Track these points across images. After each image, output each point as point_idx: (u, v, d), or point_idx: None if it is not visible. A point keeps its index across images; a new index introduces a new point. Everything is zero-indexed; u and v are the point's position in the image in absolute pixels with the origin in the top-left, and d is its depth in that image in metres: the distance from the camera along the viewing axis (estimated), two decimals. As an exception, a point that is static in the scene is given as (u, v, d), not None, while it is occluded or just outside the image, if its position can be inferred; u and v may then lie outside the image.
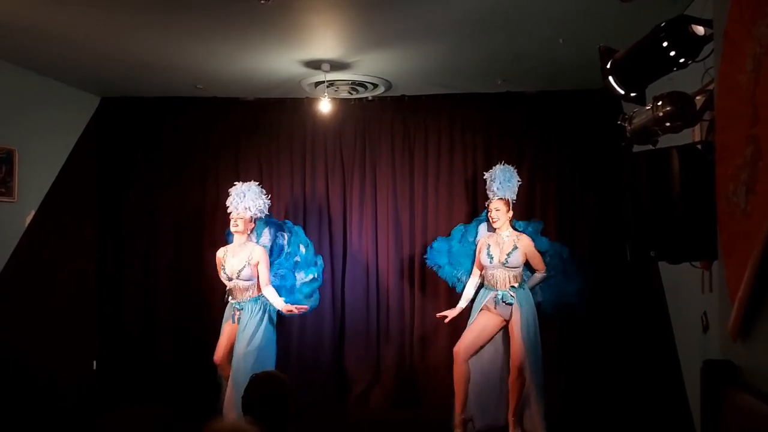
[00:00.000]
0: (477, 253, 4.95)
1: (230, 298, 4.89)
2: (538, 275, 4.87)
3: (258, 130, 6.00)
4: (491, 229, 4.94)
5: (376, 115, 5.96)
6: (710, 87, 2.50)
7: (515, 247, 4.75)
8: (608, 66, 2.76)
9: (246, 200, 4.81)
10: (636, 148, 2.86)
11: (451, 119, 5.87)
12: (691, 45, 2.43)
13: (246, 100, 5.97)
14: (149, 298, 5.93)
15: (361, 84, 5.30)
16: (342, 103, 5.73)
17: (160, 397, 5.54)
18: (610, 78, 2.75)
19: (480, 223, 5.18)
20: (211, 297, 5.84)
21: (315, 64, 4.85)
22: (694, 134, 3.18)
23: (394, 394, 5.79)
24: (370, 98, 5.84)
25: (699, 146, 2.48)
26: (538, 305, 4.88)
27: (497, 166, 4.96)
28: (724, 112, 2.13)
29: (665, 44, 2.43)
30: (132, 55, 4.67)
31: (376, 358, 5.87)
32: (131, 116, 5.98)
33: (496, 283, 4.81)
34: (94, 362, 5.85)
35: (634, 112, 2.74)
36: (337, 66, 4.88)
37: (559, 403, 5.34)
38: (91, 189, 5.90)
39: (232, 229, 4.83)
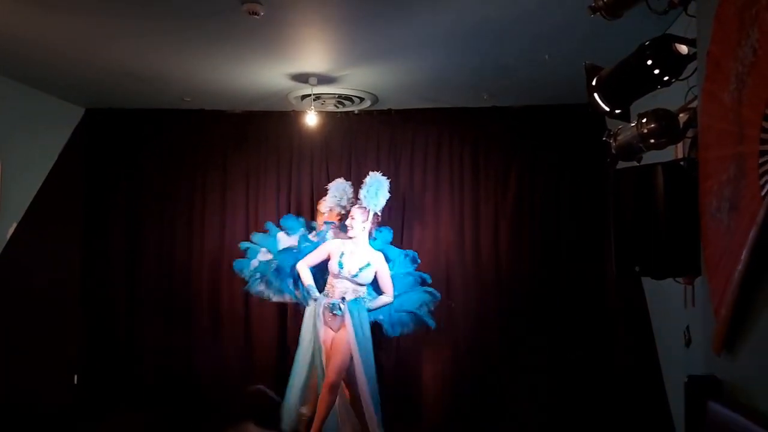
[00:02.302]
0: (322, 253, 4.80)
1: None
2: (385, 299, 4.77)
3: (245, 142, 6.00)
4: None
5: (362, 129, 5.98)
6: (693, 105, 2.54)
7: (368, 264, 4.68)
8: (593, 83, 2.79)
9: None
10: (620, 165, 2.89)
11: (438, 133, 5.91)
12: (674, 63, 2.47)
13: (233, 112, 5.97)
14: (134, 310, 5.88)
15: (348, 98, 5.33)
16: (328, 117, 5.74)
17: (142, 411, 5.47)
18: (596, 95, 2.78)
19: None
20: (197, 309, 5.82)
21: (302, 78, 4.87)
22: (677, 151, 3.23)
23: (390, 407, 5.75)
24: (356, 112, 5.86)
25: (683, 163, 2.51)
26: (376, 324, 4.78)
27: (374, 173, 4.92)
28: (707, 130, 2.16)
29: (649, 62, 2.47)
30: (118, 67, 4.66)
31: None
32: (116, 128, 5.95)
33: (334, 292, 4.69)
34: (76, 376, 5.78)
35: (618, 129, 2.77)
36: (324, 80, 4.90)
37: (542, 418, 5.36)
38: (75, 201, 5.85)
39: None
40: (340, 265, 4.67)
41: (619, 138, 2.75)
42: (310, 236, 5.03)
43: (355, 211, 4.81)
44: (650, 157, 2.72)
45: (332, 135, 5.92)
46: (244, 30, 3.89)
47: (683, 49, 2.48)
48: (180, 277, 5.86)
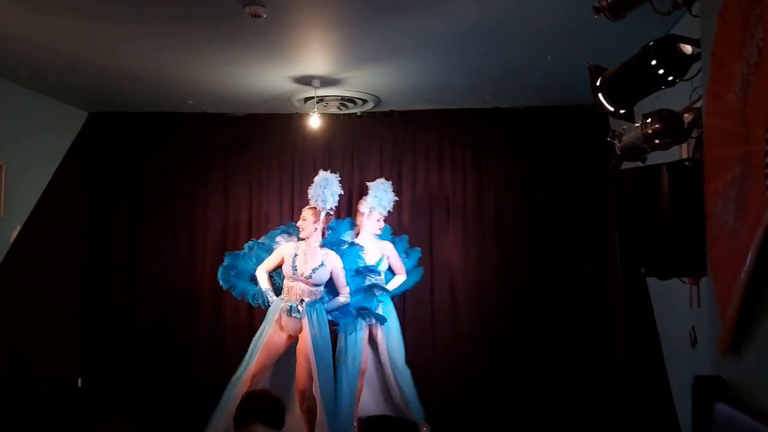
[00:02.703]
0: (276, 257, 4.80)
1: None
2: (341, 299, 4.77)
3: (247, 145, 6.00)
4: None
5: (365, 131, 5.98)
6: (698, 105, 2.54)
7: (322, 264, 4.66)
8: (598, 83, 2.79)
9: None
10: (625, 165, 2.89)
11: (440, 134, 5.91)
12: (679, 64, 2.47)
13: (235, 115, 5.98)
14: (136, 312, 5.88)
15: (351, 99, 5.33)
16: (331, 119, 5.75)
17: (145, 412, 5.48)
18: (600, 95, 2.78)
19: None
20: (199, 311, 5.83)
21: (305, 80, 4.87)
22: (681, 151, 3.22)
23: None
24: (359, 114, 5.86)
25: (687, 163, 2.51)
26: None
27: (323, 173, 4.88)
28: (713, 130, 2.16)
29: (654, 63, 2.46)
30: (121, 70, 4.67)
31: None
32: (119, 131, 5.96)
33: (291, 294, 4.68)
34: (79, 379, 5.78)
35: (623, 130, 2.77)
36: (327, 82, 4.91)
37: (547, 418, 5.36)
38: (78, 204, 5.86)
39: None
40: (294, 267, 4.64)
41: (623, 138, 2.75)
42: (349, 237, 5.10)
43: (306, 212, 4.78)
44: (655, 158, 2.72)
45: (335, 137, 5.93)
46: (246, 33, 3.89)
47: (687, 49, 2.48)
48: (182, 279, 5.87)
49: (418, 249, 5.36)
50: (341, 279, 4.70)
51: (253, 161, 6.00)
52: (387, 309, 5.07)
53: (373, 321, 4.90)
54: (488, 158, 5.85)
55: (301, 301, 4.59)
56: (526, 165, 5.78)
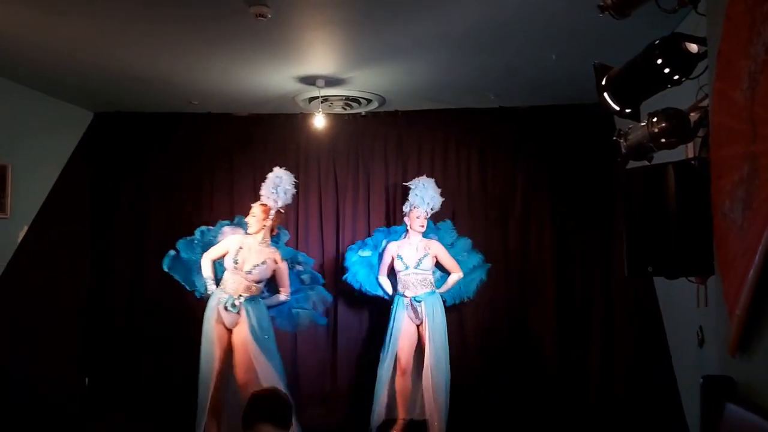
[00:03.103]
0: (221, 248, 4.85)
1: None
2: (281, 297, 4.85)
3: (252, 145, 6.01)
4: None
5: (369, 131, 5.98)
6: (704, 103, 2.53)
7: (264, 262, 4.70)
8: (603, 82, 2.78)
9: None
10: (631, 164, 2.88)
11: (445, 134, 5.90)
12: (684, 62, 2.45)
13: (240, 115, 5.98)
14: (142, 313, 5.89)
15: (355, 99, 5.33)
16: (335, 119, 5.75)
17: (150, 412, 5.49)
18: (605, 94, 2.77)
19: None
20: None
21: (309, 80, 4.88)
22: (687, 150, 3.21)
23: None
24: (363, 113, 5.86)
25: (694, 162, 2.49)
26: None
27: (278, 170, 4.92)
28: (720, 129, 2.14)
29: (659, 61, 2.45)
30: (126, 71, 4.67)
31: (372, 376, 5.82)
32: (125, 131, 5.97)
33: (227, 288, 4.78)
34: (87, 379, 5.80)
35: (629, 129, 2.76)
36: (331, 82, 4.91)
37: (553, 418, 5.35)
38: (84, 204, 5.88)
39: None
40: (235, 261, 4.65)
41: (629, 137, 2.74)
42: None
43: (256, 208, 4.80)
44: (661, 157, 2.70)
45: (339, 137, 5.93)
46: (251, 33, 3.89)
47: (693, 47, 2.46)
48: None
49: (478, 254, 5.37)
50: (284, 278, 4.70)
51: (257, 161, 5.99)
52: (433, 307, 5.06)
53: (307, 323, 4.98)
54: (493, 158, 5.84)
55: (239, 296, 4.60)
56: (531, 164, 5.77)
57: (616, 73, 2.75)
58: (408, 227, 5.24)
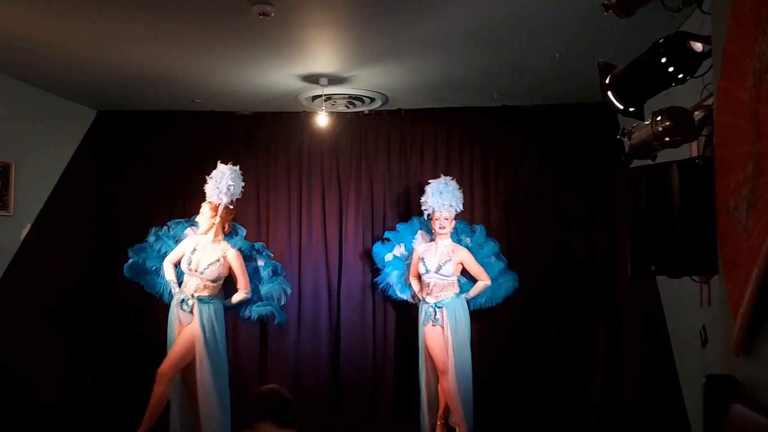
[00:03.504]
0: (179, 251, 4.87)
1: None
2: (241, 295, 4.79)
3: (255, 143, 6.00)
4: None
5: (372, 129, 5.97)
6: (708, 102, 2.52)
7: (218, 260, 4.68)
8: (607, 81, 2.77)
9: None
10: (635, 163, 2.88)
11: (448, 133, 5.89)
12: (689, 61, 2.45)
13: (243, 113, 5.98)
14: (145, 311, 5.89)
15: (358, 98, 5.32)
16: (339, 117, 5.74)
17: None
18: (609, 93, 2.76)
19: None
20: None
21: (312, 79, 4.87)
22: (691, 149, 3.20)
23: (392, 408, 5.76)
24: (366, 112, 5.86)
25: (698, 161, 2.49)
26: None
27: (222, 166, 4.90)
28: (724, 128, 2.14)
29: (664, 60, 2.45)
30: (129, 69, 4.67)
31: (372, 373, 5.84)
32: (128, 130, 5.97)
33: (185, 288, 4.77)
34: (89, 377, 5.80)
35: (633, 127, 2.75)
36: (334, 80, 4.90)
37: (555, 417, 5.35)
38: (87, 202, 5.88)
39: None
40: (189, 262, 4.63)
41: (633, 136, 2.73)
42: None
43: (204, 206, 4.76)
44: (665, 156, 2.70)
45: (342, 135, 5.93)
46: (254, 31, 3.89)
47: (698, 46, 2.46)
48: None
49: (504, 260, 5.32)
50: (240, 274, 4.65)
51: (260, 160, 6.00)
52: (455, 311, 4.98)
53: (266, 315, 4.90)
54: (496, 157, 5.83)
55: (192, 295, 4.60)
56: (535, 163, 5.76)
57: (620, 71, 2.74)
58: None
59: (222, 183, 4.71)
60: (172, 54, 4.40)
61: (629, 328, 5.26)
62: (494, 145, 5.84)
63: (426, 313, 5.01)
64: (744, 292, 1.89)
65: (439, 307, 4.96)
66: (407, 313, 5.80)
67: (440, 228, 5.06)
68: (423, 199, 5.17)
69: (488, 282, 5.07)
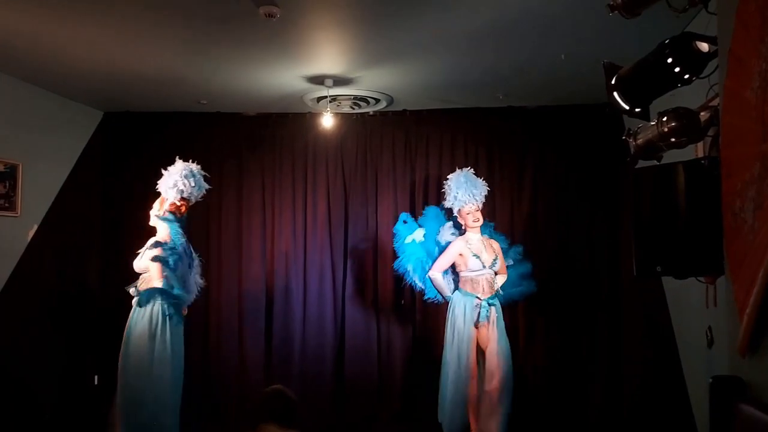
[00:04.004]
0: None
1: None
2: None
3: (260, 144, 6.02)
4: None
5: (377, 130, 5.99)
6: (714, 103, 2.52)
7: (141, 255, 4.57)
8: (613, 82, 2.77)
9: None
10: (640, 164, 2.87)
11: (453, 134, 5.90)
12: (695, 61, 2.45)
13: (248, 115, 6.00)
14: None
15: (363, 99, 5.33)
16: (344, 118, 5.76)
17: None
18: (615, 94, 2.76)
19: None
20: (215, 309, 5.86)
21: (318, 80, 4.89)
22: (697, 150, 3.20)
23: (396, 409, 5.76)
24: (371, 113, 5.87)
25: (704, 162, 2.49)
26: None
27: (180, 162, 4.73)
28: (730, 128, 2.14)
29: (670, 61, 2.44)
30: (135, 70, 4.70)
31: (377, 373, 5.85)
32: (134, 131, 6.00)
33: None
34: (96, 377, 5.82)
35: (639, 128, 2.75)
36: (339, 81, 4.92)
37: (561, 417, 5.34)
38: (94, 203, 5.91)
39: None
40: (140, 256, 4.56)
41: (639, 137, 2.73)
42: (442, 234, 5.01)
43: (156, 202, 4.68)
44: (670, 156, 2.70)
45: (347, 136, 5.94)
46: (260, 33, 3.91)
47: (704, 46, 2.46)
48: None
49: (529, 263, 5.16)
50: (152, 271, 4.41)
51: (266, 160, 6.02)
52: (498, 310, 4.82)
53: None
54: (501, 157, 5.83)
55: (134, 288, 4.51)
56: (540, 164, 5.76)
57: (626, 72, 2.74)
58: (463, 226, 4.93)
59: (169, 179, 4.61)
60: (179, 55, 4.42)
61: (634, 329, 5.24)
62: (499, 145, 5.84)
63: (479, 312, 4.75)
64: (750, 293, 1.88)
65: (492, 305, 4.80)
66: (409, 314, 5.82)
67: (475, 221, 4.89)
68: (450, 195, 4.93)
69: (506, 275, 4.98)
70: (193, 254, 4.69)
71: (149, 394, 4.26)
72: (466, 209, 4.89)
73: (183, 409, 4.59)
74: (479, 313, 4.75)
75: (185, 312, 4.58)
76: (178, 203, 4.62)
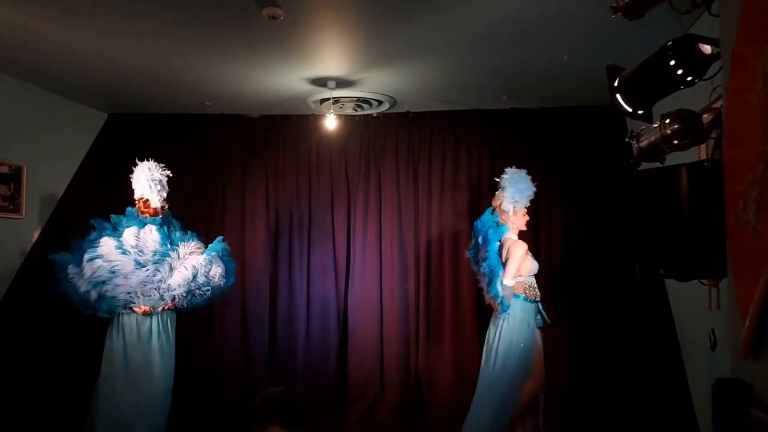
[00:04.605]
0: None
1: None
2: None
3: (264, 146, 6.04)
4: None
5: (380, 132, 5.99)
6: (717, 105, 2.52)
7: None
8: (615, 84, 2.77)
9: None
10: (643, 166, 2.87)
11: (456, 135, 5.90)
12: (698, 63, 2.45)
13: (252, 116, 6.01)
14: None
15: (366, 101, 5.34)
16: (347, 120, 5.76)
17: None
18: (618, 96, 2.76)
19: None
20: (218, 310, 5.86)
21: (321, 82, 4.89)
22: (700, 152, 3.19)
23: (398, 409, 5.76)
24: (375, 115, 5.87)
25: (707, 164, 2.48)
26: None
27: (144, 162, 4.78)
28: (733, 130, 2.13)
29: (672, 63, 2.45)
30: (139, 72, 4.71)
31: (380, 373, 5.85)
32: (138, 132, 6.01)
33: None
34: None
35: (641, 130, 2.75)
36: (342, 83, 4.92)
37: (564, 419, 5.33)
38: (98, 205, 5.90)
39: None
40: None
41: (642, 139, 2.73)
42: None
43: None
44: (673, 159, 2.70)
45: (350, 138, 5.95)
46: (264, 34, 3.92)
47: (707, 48, 2.46)
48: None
49: None
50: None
51: (269, 162, 6.03)
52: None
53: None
54: (504, 159, 5.80)
55: None
56: (543, 166, 5.74)
57: (628, 74, 2.74)
58: (512, 228, 4.73)
59: (139, 178, 4.71)
60: (183, 57, 4.43)
61: (638, 332, 5.23)
62: (502, 147, 5.83)
63: (536, 315, 4.60)
64: (753, 295, 1.88)
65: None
66: (413, 315, 5.82)
67: (527, 221, 4.81)
68: (510, 192, 4.74)
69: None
70: (166, 252, 4.64)
71: (125, 408, 4.48)
72: (521, 209, 4.77)
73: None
74: (541, 316, 4.62)
75: (149, 311, 4.58)
76: (141, 202, 4.72)
